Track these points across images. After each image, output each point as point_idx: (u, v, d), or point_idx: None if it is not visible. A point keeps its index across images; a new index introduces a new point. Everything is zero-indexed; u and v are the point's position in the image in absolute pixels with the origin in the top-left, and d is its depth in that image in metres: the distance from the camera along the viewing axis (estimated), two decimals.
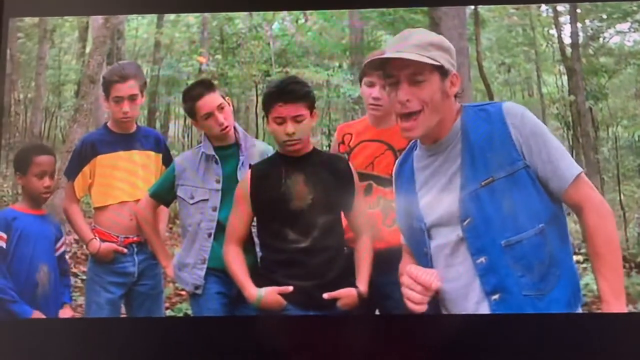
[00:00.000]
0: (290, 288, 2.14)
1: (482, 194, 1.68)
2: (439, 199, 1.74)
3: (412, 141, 1.89)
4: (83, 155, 2.67)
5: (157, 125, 7.40)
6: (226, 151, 2.47)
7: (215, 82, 6.43)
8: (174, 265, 2.51)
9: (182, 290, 3.99)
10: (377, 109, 2.47)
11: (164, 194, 2.54)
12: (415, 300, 1.68)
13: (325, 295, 2.13)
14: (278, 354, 2.07)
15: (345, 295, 2.16)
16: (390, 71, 1.72)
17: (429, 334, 1.95)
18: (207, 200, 2.41)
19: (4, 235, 2.44)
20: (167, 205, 2.64)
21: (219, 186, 2.40)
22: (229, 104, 2.50)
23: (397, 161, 1.97)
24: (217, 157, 2.42)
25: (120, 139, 2.68)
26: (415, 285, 1.68)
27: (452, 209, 1.71)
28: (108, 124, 2.71)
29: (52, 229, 2.56)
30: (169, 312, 4.12)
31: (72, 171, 2.65)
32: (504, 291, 1.67)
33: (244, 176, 2.28)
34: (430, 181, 1.78)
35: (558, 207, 1.71)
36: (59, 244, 2.57)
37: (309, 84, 2.31)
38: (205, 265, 2.40)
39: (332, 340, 2.09)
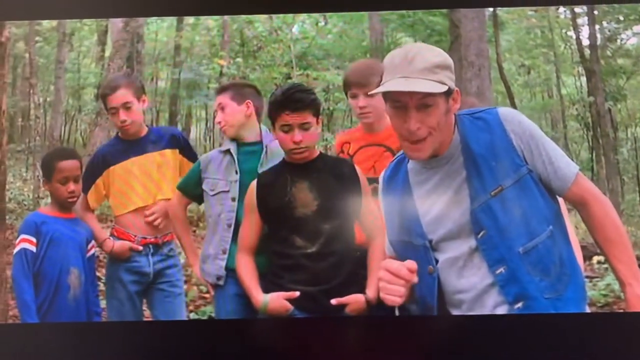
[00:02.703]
0: (297, 293, 2.12)
1: (493, 204, 1.63)
2: (446, 213, 1.68)
3: (400, 152, 1.85)
4: (95, 168, 2.66)
5: (179, 128, 7.44)
6: (250, 147, 2.51)
7: None
8: (200, 261, 2.53)
9: (206, 293, 4.02)
10: (367, 116, 2.50)
11: (191, 187, 2.55)
12: (398, 294, 1.66)
13: (333, 301, 2.10)
14: (286, 355, 2.08)
15: (353, 301, 2.13)
16: (396, 96, 1.68)
17: (439, 334, 1.96)
18: (227, 191, 2.44)
19: (34, 240, 2.42)
20: (198, 201, 2.67)
21: (237, 177, 2.43)
22: (248, 107, 2.55)
23: (383, 174, 1.91)
24: (232, 152, 2.47)
25: (131, 145, 2.66)
26: (397, 279, 1.67)
27: (462, 221, 1.66)
28: (119, 134, 2.73)
29: (82, 232, 2.54)
30: (192, 315, 4.15)
31: (85, 184, 2.64)
32: (528, 298, 1.62)
33: (250, 186, 2.30)
34: (433, 195, 1.71)
35: (557, 206, 1.72)
36: (89, 246, 2.59)
37: (314, 91, 2.32)
38: (226, 256, 2.39)
39: (342, 341, 2.10)
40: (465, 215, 1.63)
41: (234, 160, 2.43)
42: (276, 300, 2.11)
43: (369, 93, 2.25)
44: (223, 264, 2.38)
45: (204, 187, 2.47)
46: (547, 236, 1.60)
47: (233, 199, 2.39)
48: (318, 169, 2.19)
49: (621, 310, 3.85)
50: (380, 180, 1.87)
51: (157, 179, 2.62)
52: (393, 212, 1.80)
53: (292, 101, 2.11)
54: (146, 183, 2.62)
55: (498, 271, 1.61)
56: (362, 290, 2.13)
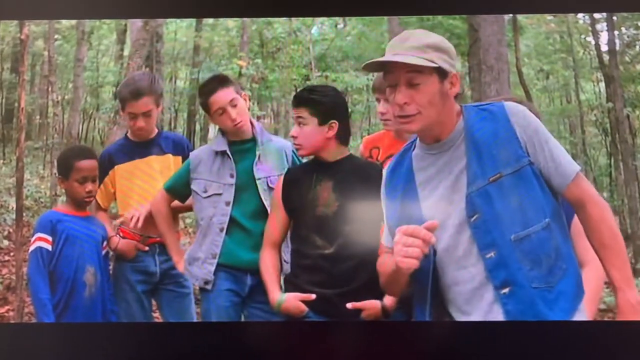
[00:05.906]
0: (313, 296, 2.12)
1: (490, 189, 1.64)
2: (446, 198, 1.70)
3: (407, 143, 1.87)
4: (102, 168, 2.62)
5: (197, 128, 7.46)
6: (243, 146, 2.42)
7: (255, 86, 6.55)
8: (184, 260, 2.48)
9: None
10: (387, 123, 2.48)
11: (179, 188, 2.48)
12: (416, 256, 1.65)
13: (349, 305, 2.07)
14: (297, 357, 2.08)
15: (370, 307, 2.10)
16: (387, 75, 1.72)
17: (435, 340, 1.96)
18: (220, 194, 2.38)
19: (49, 238, 2.41)
20: (182, 200, 2.58)
21: (233, 181, 2.35)
22: (245, 100, 2.46)
23: (389, 164, 1.90)
24: (229, 153, 2.41)
25: (138, 147, 2.62)
26: (415, 240, 1.65)
27: (461, 207, 1.71)
28: (128, 134, 2.69)
29: (97, 230, 2.53)
30: None
31: None
32: (515, 284, 1.61)
33: (278, 181, 2.29)
34: (434, 180, 1.71)
35: (558, 203, 1.73)
36: (104, 244, 2.58)
37: (326, 93, 2.31)
38: (215, 260, 2.33)
39: (347, 346, 2.10)
40: (463, 200, 1.63)
41: (232, 163, 2.37)
42: (291, 301, 2.08)
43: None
44: (212, 268, 2.31)
45: (194, 187, 2.39)
46: (542, 227, 1.60)
47: (227, 203, 2.33)
48: (345, 169, 2.18)
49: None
50: (384, 172, 1.87)
51: (159, 182, 2.61)
52: (396, 200, 1.79)
53: (294, 98, 2.17)
54: (149, 185, 2.61)
55: (488, 255, 1.61)
56: (379, 297, 2.12)
